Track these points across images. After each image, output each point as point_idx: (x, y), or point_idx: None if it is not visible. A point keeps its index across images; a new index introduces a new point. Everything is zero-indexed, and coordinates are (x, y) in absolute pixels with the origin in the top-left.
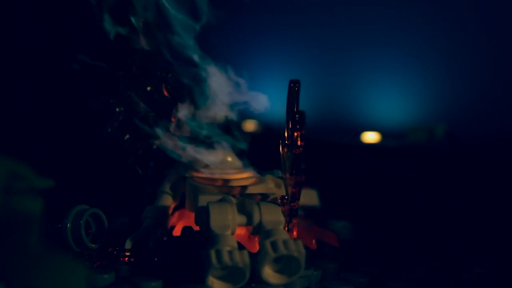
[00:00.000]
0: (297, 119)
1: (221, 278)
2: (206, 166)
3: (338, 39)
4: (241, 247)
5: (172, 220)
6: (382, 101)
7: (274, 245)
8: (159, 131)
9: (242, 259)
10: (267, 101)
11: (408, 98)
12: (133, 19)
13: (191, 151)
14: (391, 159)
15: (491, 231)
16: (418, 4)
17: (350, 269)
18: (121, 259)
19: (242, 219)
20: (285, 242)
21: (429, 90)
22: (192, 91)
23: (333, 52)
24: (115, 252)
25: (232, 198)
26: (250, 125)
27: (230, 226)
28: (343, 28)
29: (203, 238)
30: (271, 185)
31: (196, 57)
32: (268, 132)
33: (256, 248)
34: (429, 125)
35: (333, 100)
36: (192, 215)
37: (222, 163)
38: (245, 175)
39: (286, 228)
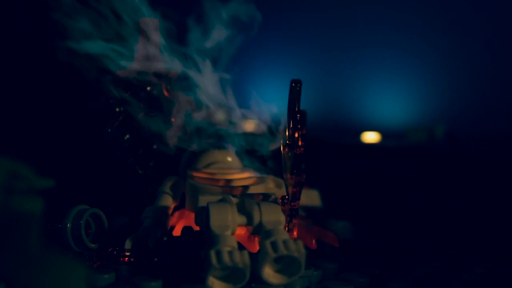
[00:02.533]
0: (298, 119)
1: (221, 279)
2: (207, 166)
3: (339, 39)
4: (241, 247)
5: (172, 220)
6: (382, 101)
7: (274, 245)
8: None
9: (242, 259)
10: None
11: (408, 98)
12: (133, 20)
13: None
14: (391, 159)
15: (491, 231)
16: (418, 5)
17: (350, 269)
18: (121, 259)
19: (242, 219)
20: (285, 242)
21: (429, 90)
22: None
23: (334, 52)
24: (115, 252)
25: (232, 198)
26: (250, 125)
27: (230, 227)
28: (343, 29)
29: (203, 238)
30: (271, 185)
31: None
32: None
33: (255, 248)
34: (429, 125)
35: (333, 100)
36: (192, 215)
37: (222, 163)
38: (245, 175)
39: (286, 228)
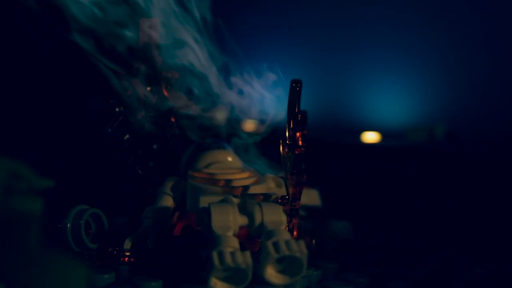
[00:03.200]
0: (299, 119)
1: (224, 279)
2: (207, 166)
3: (339, 39)
4: (242, 246)
5: (172, 220)
6: (382, 101)
7: (276, 245)
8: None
9: (244, 260)
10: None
11: (408, 98)
12: (133, 19)
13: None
14: (391, 159)
15: (491, 231)
16: (418, 5)
17: (350, 269)
18: (121, 259)
19: (243, 219)
20: (287, 243)
21: (429, 90)
22: (192, 90)
23: (334, 52)
24: (115, 252)
25: (233, 198)
26: (250, 125)
27: (232, 227)
28: (343, 29)
29: (203, 238)
30: (272, 185)
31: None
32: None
33: (257, 247)
34: (429, 125)
35: (333, 100)
36: (192, 215)
37: (223, 163)
38: (246, 175)
39: (287, 228)
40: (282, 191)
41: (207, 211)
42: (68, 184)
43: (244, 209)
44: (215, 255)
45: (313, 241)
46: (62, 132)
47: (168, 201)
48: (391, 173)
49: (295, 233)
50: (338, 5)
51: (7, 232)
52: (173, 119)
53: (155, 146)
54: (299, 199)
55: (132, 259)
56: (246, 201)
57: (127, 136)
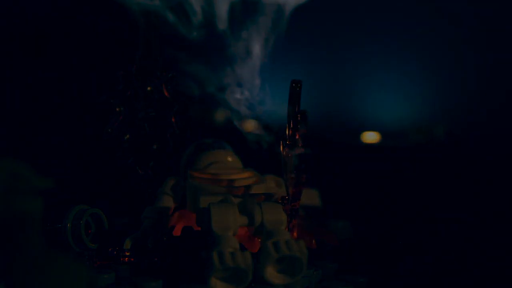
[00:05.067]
0: (299, 119)
1: (223, 280)
2: (207, 166)
3: (338, 39)
4: (242, 247)
5: (172, 220)
6: (382, 101)
7: (276, 245)
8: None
9: (244, 260)
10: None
11: (408, 98)
12: (133, 19)
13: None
14: (391, 159)
15: (491, 231)
16: (418, 4)
17: (350, 269)
18: (121, 259)
19: (243, 219)
20: (287, 243)
21: (429, 90)
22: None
23: (334, 52)
24: (115, 252)
25: (233, 198)
26: (250, 125)
27: (232, 227)
28: (343, 28)
29: (203, 238)
30: (272, 185)
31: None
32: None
33: (256, 247)
34: (429, 125)
35: (333, 100)
36: (193, 215)
37: (223, 163)
38: (245, 175)
39: (287, 228)
40: (282, 191)
41: (207, 211)
42: (68, 184)
43: (244, 209)
44: (215, 255)
45: (313, 241)
46: (62, 132)
47: (168, 201)
48: (391, 173)
49: (295, 233)
50: (338, 5)
51: (7, 232)
52: (173, 119)
53: (155, 146)
54: (299, 199)
55: (132, 259)
56: (246, 201)
57: (127, 136)
